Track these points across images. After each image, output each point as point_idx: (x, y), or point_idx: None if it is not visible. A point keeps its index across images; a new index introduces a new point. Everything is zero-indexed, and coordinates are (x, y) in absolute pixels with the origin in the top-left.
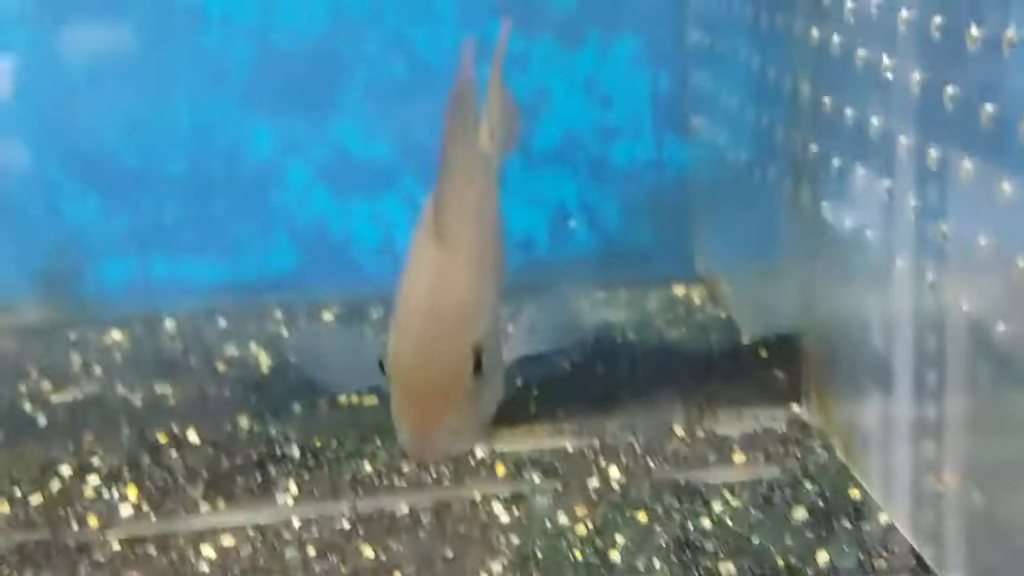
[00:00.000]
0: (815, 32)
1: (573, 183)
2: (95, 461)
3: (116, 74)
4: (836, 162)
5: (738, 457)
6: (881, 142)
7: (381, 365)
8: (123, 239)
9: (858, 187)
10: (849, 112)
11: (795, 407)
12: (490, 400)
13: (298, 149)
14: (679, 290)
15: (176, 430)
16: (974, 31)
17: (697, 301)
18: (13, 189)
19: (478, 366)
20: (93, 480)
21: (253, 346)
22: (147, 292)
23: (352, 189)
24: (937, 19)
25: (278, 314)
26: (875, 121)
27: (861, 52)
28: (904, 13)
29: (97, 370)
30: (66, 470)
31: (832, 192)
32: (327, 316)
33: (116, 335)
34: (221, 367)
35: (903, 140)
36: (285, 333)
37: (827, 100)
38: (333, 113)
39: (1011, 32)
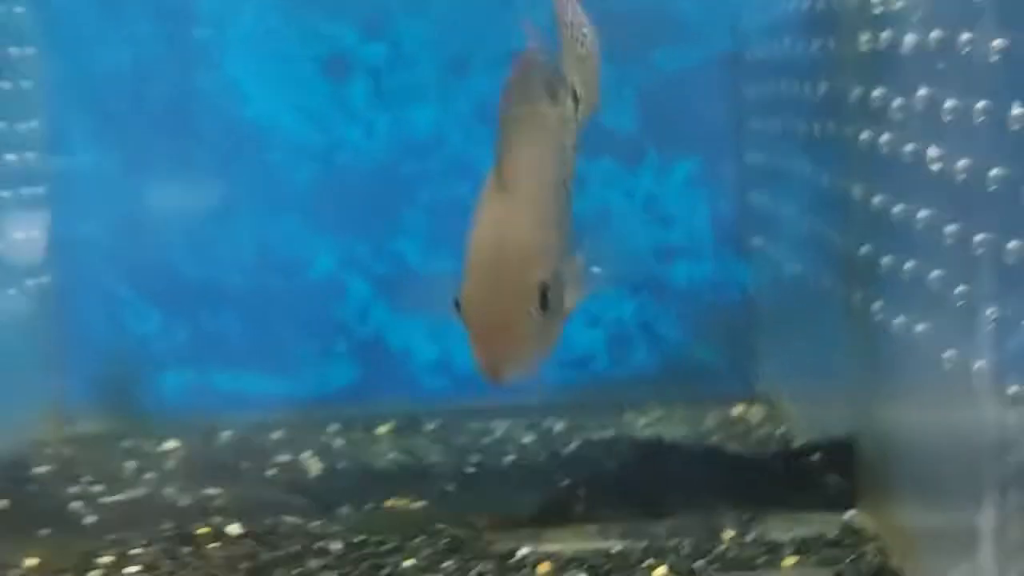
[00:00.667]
0: (864, 134)
1: (632, 302)
2: (136, 551)
3: (182, 191)
4: (887, 260)
5: (788, 561)
6: (929, 235)
7: (457, 304)
8: (183, 352)
9: (908, 285)
10: (898, 209)
11: (849, 513)
12: (555, 332)
13: (359, 265)
14: (738, 409)
15: (219, 525)
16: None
17: (755, 419)
18: (78, 300)
19: (544, 302)
20: (132, 569)
21: (306, 455)
22: (205, 404)
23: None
24: (980, 104)
25: (334, 427)
26: (922, 214)
27: (908, 147)
28: (949, 103)
29: (149, 475)
30: (106, 559)
31: (885, 292)
32: (383, 430)
33: (171, 444)
34: (271, 472)
35: (950, 229)
36: (339, 443)
37: (878, 200)
38: (394, 231)
39: None
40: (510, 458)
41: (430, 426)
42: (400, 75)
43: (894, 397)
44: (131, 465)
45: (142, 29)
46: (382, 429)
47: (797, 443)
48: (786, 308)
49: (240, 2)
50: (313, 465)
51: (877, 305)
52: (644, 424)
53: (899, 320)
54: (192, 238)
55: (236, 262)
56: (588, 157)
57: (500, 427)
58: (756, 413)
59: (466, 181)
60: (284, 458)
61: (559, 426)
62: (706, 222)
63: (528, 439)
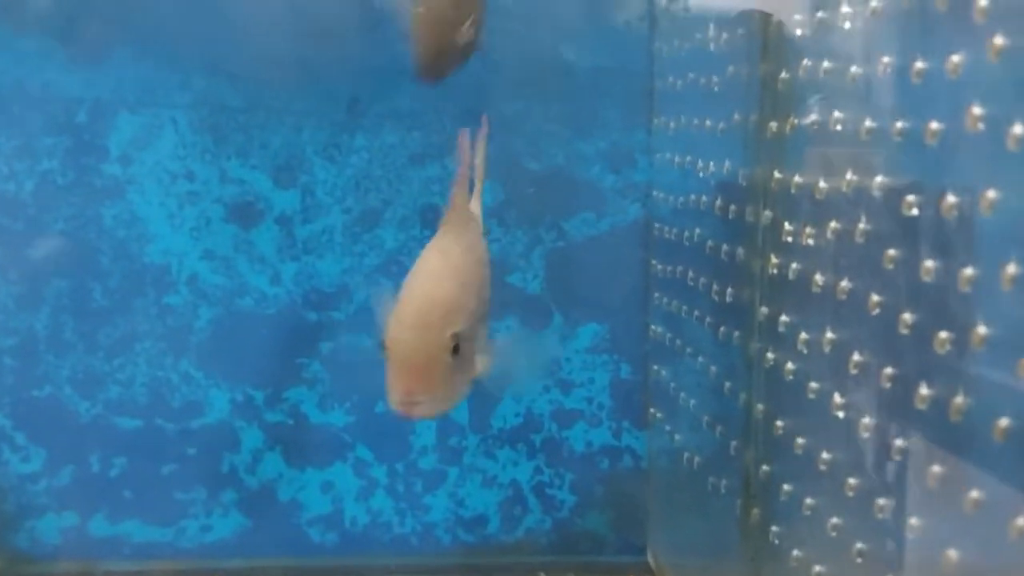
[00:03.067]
0: (770, 354)
1: (529, 464)
2: None
3: (76, 325)
4: (787, 487)
5: None
6: (830, 473)
7: (382, 345)
8: (65, 494)
9: (807, 519)
10: (801, 440)
11: None
12: (463, 384)
13: (254, 414)
14: None
15: None
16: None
17: None
18: None
19: (455, 350)
20: None
21: None
22: (84, 550)
23: (305, 457)
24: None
25: None
26: (825, 455)
27: (814, 384)
28: (857, 357)
29: None
30: None
31: (782, 518)
32: None
33: None
34: None
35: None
36: None
37: (779, 424)
38: (291, 380)
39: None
40: None
41: None
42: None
43: None
44: None
45: (49, 164)
46: None
47: None
48: (680, 491)
49: (148, 142)
50: None
51: (775, 530)
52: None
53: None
54: (83, 375)
55: (128, 403)
56: (494, 317)
57: None
58: None
59: (369, 334)
60: None
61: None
62: (606, 390)
63: None
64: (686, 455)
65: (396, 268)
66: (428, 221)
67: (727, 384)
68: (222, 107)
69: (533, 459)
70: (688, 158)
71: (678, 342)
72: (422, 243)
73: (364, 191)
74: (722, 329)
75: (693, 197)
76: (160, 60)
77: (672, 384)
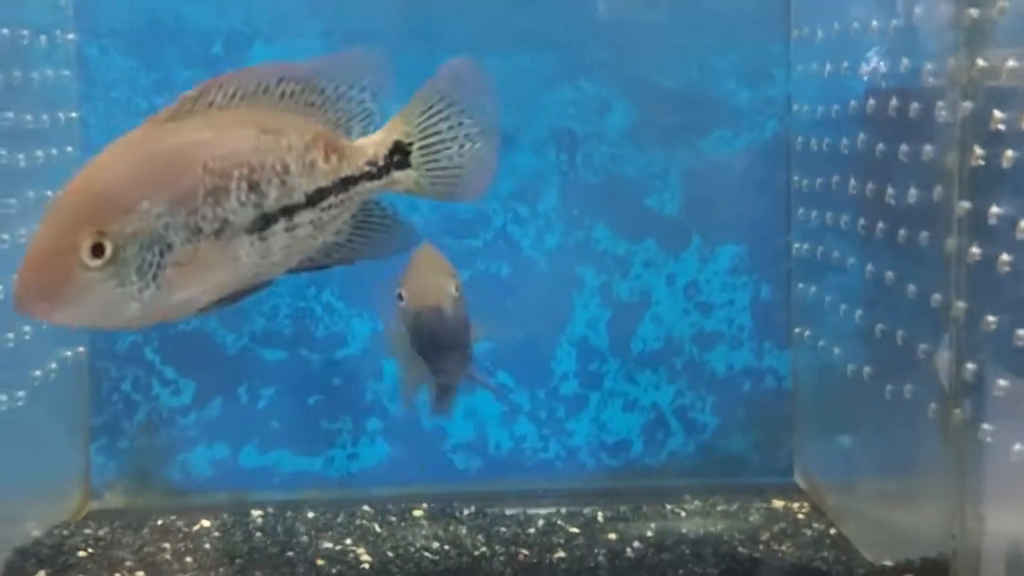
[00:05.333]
0: (975, 249)
1: (670, 388)
2: None
3: None
4: (1002, 383)
5: None
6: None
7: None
8: (214, 427)
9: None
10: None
11: None
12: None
13: None
14: (779, 503)
15: None
16: None
17: (801, 516)
18: (111, 372)
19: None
20: None
21: (348, 542)
22: (235, 480)
23: None
24: None
25: (366, 508)
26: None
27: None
28: None
29: (190, 559)
30: None
31: (995, 415)
32: (419, 514)
33: (205, 523)
34: (320, 562)
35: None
36: (377, 528)
37: (991, 319)
38: None
39: None
40: (560, 555)
41: (466, 511)
42: None
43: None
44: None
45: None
46: (418, 513)
47: (870, 554)
48: (838, 397)
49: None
50: (362, 556)
51: (987, 427)
52: (686, 516)
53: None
54: (228, 308)
55: (272, 335)
56: (631, 240)
57: (539, 515)
58: (800, 509)
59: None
60: (328, 546)
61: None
62: (747, 310)
63: (573, 529)
64: (850, 368)
65: (531, 193)
66: (563, 145)
67: (911, 287)
68: (354, 33)
69: (674, 382)
70: (846, 64)
71: (835, 254)
72: (557, 167)
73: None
74: (902, 232)
75: (854, 103)
76: None
77: (827, 299)
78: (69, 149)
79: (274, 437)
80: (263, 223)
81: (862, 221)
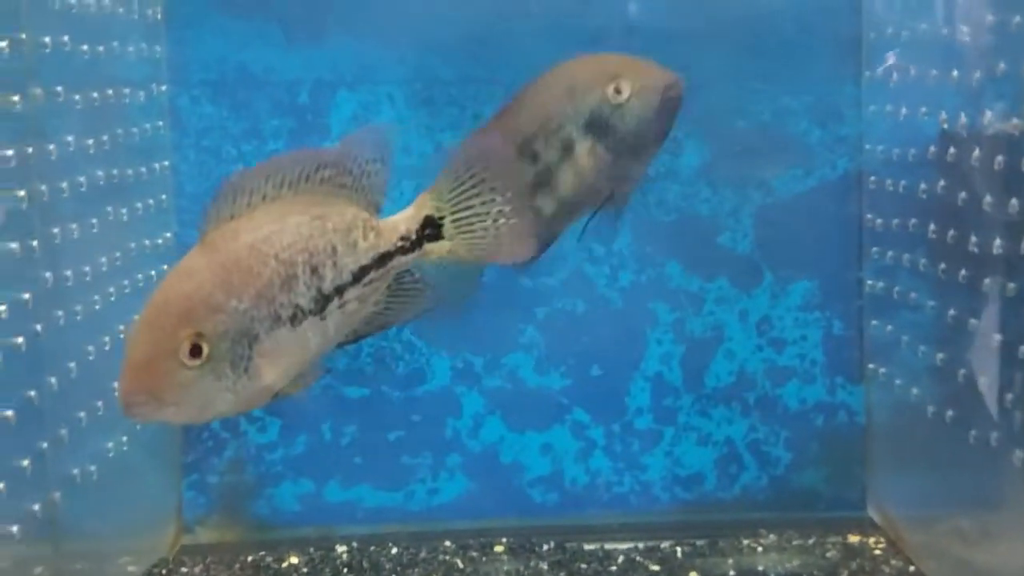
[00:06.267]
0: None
1: (743, 422)
2: None
3: None
4: None
5: None
6: None
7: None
8: (300, 462)
9: None
10: None
11: None
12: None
13: (474, 380)
14: (854, 538)
15: None
16: None
17: (877, 551)
18: None
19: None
20: None
21: None
22: (320, 515)
23: (525, 421)
24: None
25: (447, 543)
26: None
27: None
28: None
29: None
30: None
31: None
32: (499, 549)
33: (293, 559)
34: None
35: None
36: (460, 564)
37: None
38: (509, 346)
39: None
40: None
41: (545, 546)
42: None
43: None
44: None
45: (275, 145)
46: (498, 548)
47: None
48: (916, 435)
49: (367, 119)
50: None
51: None
52: (763, 552)
53: None
54: None
55: (354, 373)
56: (704, 277)
57: (619, 550)
58: (876, 544)
59: (582, 299)
60: None
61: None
62: (819, 346)
63: (654, 567)
64: (930, 409)
65: (607, 232)
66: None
67: (996, 336)
68: (434, 80)
69: (747, 417)
70: (923, 109)
71: (912, 295)
72: (631, 207)
73: None
74: (987, 280)
75: (933, 149)
76: (374, 38)
77: (904, 338)
78: (163, 198)
79: (357, 472)
80: (323, 304)
81: (943, 266)
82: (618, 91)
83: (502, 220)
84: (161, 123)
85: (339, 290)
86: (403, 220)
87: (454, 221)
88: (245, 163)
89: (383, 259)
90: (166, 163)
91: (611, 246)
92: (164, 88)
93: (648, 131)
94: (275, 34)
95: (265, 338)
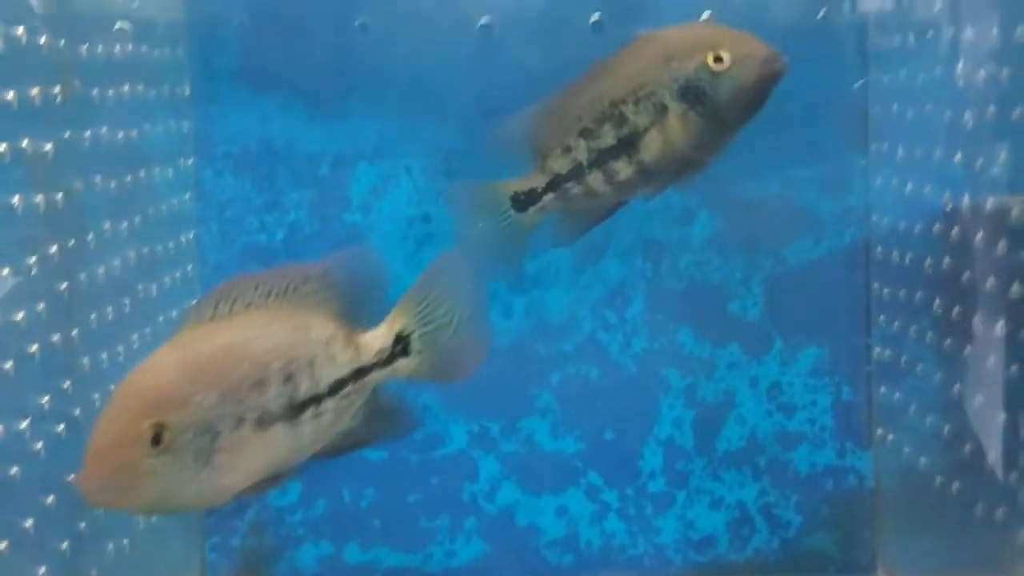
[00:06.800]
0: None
1: (754, 486)
2: None
3: None
4: None
5: None
6: None
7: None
8: (320, 524)
9: None
10: None
11: None
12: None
13: (491, 444)
14: None
15: None
16: None
17: None
18: None
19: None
20: None
21: None
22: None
23: (540, 484)
24: None
25: None
26: None
27: None
28: None
29: None
30: None
31: None
32: None
33: None
34: None
35: None
36: None
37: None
38: (524, 411)
39: None
40: None
41: None
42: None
43: None
44: None
45: (296, 216)
46: None
47: None
48: (916, 503)
49: (386, 190)
50: None
51: None
52: None
53: None
54: None
55: None
56: (715, 343)
57: None
58: None
59: (597, 364)
60: None
61: None
62: (828, 411)
63: None
64: (938, 479)
65: (619, 300)
66: (649, 254)
67: (1001, 415)
68: (452, 152)
69: (758, 480)
70: (928, 188)
71: (920, 367)
72: (643, 275)
73: None
74: (991, 359)
75: (938, 226)
76: (393, 112)
77: (912, 407)
78: (189, 268)
79: (375, 534)
80: (297, 411)
81: (948, 340)
82: (718, 59)
83: (461, 331)
84: (187, 196)
85: (315, 400)
86: (378, 336)
87: (420, 336)
88: (268, 234)
89: (359, 373)
90: (191, 235)
91: (624, 313)
92: (190, 162)
93: (743, 103)
94: (298, 109)
95: (229, 436)
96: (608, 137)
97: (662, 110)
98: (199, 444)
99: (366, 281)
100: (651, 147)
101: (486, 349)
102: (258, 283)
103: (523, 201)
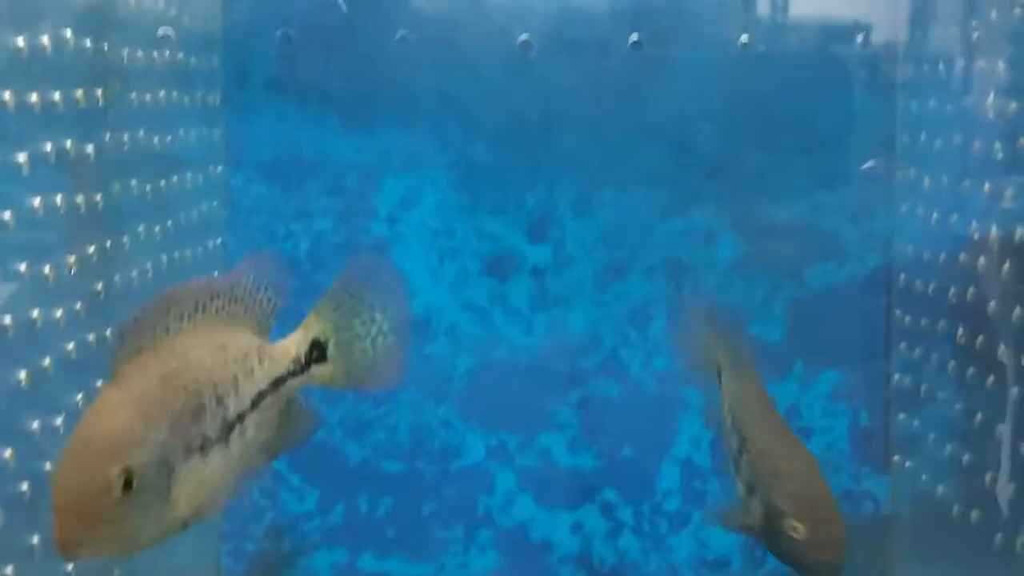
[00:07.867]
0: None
1: None
2: None
3: None
4: None
5: None
6: None
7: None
8: (336, 532)
9: None
10: None
11: None
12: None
13: (507, 458)
14: None
15: None
16: None
17: None
18: None
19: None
20: None
21: None
22: None
23: (555, 499)
24: None
25: None
26: None
27: None
28: None
29: None
30: None
31: None
32: None
33: None
34: None
35: None
36: None
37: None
38: (542, 426)
39: None
40: None
41: None
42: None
43: None
44: None
45: (323, 225)
46: None
47: None
48: (932, 529)
49: (413, 201)
50: None
51: None
52: None
53: None
54: (353, 421)
55: (392, 447)
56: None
57: None
58: None
59: (617, 380)
60: None
61: None
62: (845, 436)
63: None
64: (956, 508)
65: (641, 318)
66: (672, 273)
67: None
68: (478, 168)
69: None
70: (954, 217)
71: (940, 395)
72: (667, 294)
73: (612, 244)
74: (1014, 391)
75: (964, 256)
76: (421, 126)
77: (931, 435)
78: (216, 274)
79: (390, 544)
80: (227, 431)
81: (971, 370)
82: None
83: (380, 339)
84: (216, 202)
85: (240, 417)
86: (293, 344)
87: (336, 343)
88: (294, 242)
89: (276, 383)
90: (219, 240)
91: (645, 331)
92: (220, 169)
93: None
94: (331, 120)
95: (180, 468)
96: None
97: None
98: (159, 482)
99: (274, 288)
100: None
101: (407, 358)
102: (170, 306)
103: None
